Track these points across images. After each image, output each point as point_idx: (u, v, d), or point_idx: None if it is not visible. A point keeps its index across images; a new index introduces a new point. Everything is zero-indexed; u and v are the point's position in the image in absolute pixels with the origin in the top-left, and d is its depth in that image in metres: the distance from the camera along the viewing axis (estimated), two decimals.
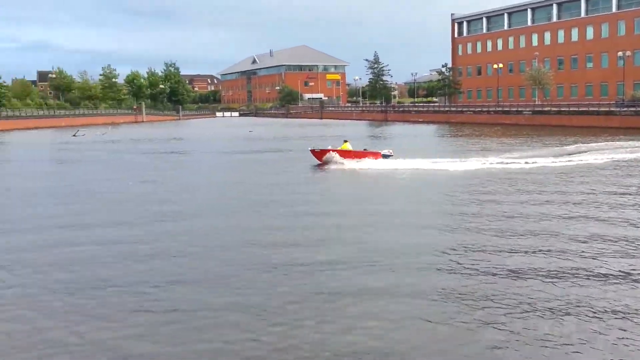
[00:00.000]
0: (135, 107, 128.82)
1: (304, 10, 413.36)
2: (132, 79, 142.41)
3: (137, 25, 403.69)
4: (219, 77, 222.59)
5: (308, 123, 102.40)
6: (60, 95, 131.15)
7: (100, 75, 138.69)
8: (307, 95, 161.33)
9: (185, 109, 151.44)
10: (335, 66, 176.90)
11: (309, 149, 34.81)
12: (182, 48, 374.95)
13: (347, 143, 34.78)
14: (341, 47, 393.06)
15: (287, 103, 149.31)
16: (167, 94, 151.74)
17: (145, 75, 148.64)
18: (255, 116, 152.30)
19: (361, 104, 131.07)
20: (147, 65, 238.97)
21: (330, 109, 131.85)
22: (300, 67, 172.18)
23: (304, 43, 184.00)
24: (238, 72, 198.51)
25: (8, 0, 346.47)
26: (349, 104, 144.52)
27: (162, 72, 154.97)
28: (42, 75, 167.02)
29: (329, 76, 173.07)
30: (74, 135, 68.09)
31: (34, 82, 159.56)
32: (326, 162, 32.69)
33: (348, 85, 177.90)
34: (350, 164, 31.97)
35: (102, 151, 47.32)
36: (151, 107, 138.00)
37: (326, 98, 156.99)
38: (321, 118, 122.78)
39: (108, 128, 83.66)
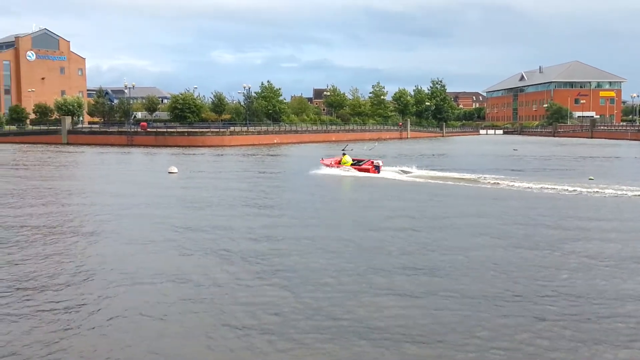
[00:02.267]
0: (400, 123, 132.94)
1: (575, 23, 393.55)
2: (399, 97, 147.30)
3: (406, 45, 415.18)
4: (484, 94, 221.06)
5: (576, 142, 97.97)
6: (333, 111, 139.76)
7: (370, 92, 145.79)
8: (576, 114, 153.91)
9: (448, 126, 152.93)
10: (610, 82, 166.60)
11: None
12: (448, 66, 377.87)
13: (346, 156, 39.00)
14: (617, 62, 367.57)
15: (555, 121, 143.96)
16: (432, 111, 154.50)
17: (412, 93, 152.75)
18: (519, 134, 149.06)
19: (638, 123, 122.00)
20: (413, 83, 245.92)
21: (601, 128, 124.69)
22: (571, 84, 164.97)
23: (576, 58, 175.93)
24: (504, 89, 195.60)
25: (290, 22, 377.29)
26: (624, 123, 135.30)
27: (428, 89, 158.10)
28: (318, 93, 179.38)
29: (602, 93, 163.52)
30: (342, 150, 72.22)
31: (310, 99, 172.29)
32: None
33: (624, 102, 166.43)
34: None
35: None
36: (416, 124, 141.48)
37: (598, 116, 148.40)
38: (591, 137, 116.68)
39: (374, 143, 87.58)
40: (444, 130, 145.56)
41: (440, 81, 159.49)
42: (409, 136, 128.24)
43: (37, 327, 10.46)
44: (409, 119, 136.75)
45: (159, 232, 19.08)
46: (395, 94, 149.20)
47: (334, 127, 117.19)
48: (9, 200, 27.21)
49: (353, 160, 39.65)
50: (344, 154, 39.73)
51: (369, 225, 20.22)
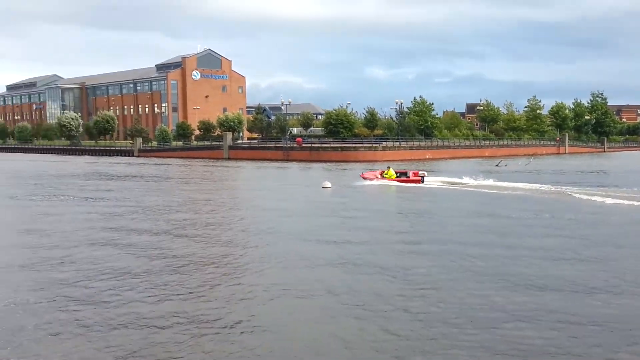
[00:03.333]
0: (558, 138, 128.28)
1: None
2: (556, 110, 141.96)
3: (564, 57, 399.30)
4: None
5: None
6: (486, 126, 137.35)
7: (525, 107, 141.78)
8: None
9: (610, 141, 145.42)
10: None
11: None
12: (609, 77, 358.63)
13: (391, 170, 41.75)
14: None
15: None
16: (592, 125, 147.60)
17: (571, 106, 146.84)
18: None
19: None
20: (572, 97, 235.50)
21: None
22: None
23: None
24: None
25: (444, 36, 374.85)
26: None
27: (588, 102, 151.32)
28: (470, 108, 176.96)
29: None
30: (496, 166, 71.22)
31: (462, 114, 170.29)
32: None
33: None
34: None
35: (525, 181, 48.43)
36: (574, 139, 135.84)
37: None
38: None
39: (530, 159, 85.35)
40: (606, 145, 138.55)
41: (601, 94, 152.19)
42: (566, 151, 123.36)
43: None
44: (567, 134, 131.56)
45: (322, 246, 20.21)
46: (552, 108, 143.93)
47: (487, 142, 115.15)
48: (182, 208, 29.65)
49: (396, 172, 42.22)
50: (388, 168, 42.56)
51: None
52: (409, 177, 41.38)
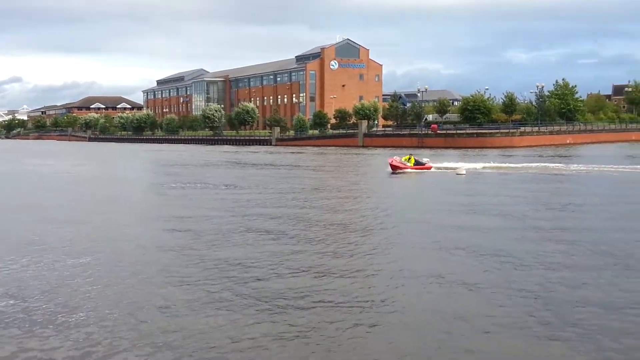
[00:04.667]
0: None
1: None
2: None
3: None
4: None
5: None
6: (634, 109, 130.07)
7: None
8: None
9: None
10: None
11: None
12: None
13: (412, 157, 44.98)
14: None
15: None
16: None
17: None
18: None
19: None
20: None
21: None
22: None
23: None
24: None
25: (590, 15, 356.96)
26: None
27: None
28: (617, 89, 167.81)
29: None
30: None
31: (608, 96, 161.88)
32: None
33: None
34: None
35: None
36: None
37: None
38: None
39: None
40: None
41: None
42: None
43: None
44: None
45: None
46: None
47: (634, 125, 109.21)
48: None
49: (416, 160, 45.23)
50: (410, 155, 45.65)
51: None
52: (424, 164, 45.25)
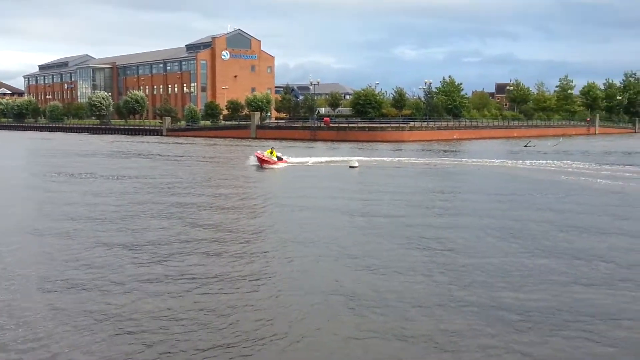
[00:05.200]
0: (588, 119, 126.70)
1: None
2: (587, 91, 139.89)
3: (599, 36, 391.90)
4: None
5: None
6: (515, 107, 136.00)
7: (556, 87, 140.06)
8: None
9: None
10: None
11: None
12: None
13: (275, 151, 46.24)
14: None
15: None
16: (625, 106, 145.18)
17: (602, 87, 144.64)
18: None
19: None
20: (605, 77, 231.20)
21: None
22: None
23: None
24: None
25: (475, 16, 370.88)
26: None
27: (620, 83, 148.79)
28: (500, 88, 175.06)
29: None
30: (525, 146, 70.90)
31: (492, 94, 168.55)
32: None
33: None
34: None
35: (551, 160, 48.59)
36: (605, 119, 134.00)
37: None
38: None
39: (559, 139, 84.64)
40: (637, 126, 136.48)
41: (634, 74, 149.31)
42: (597, 132, 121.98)
43: None
44: (597, 114, 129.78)
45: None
46: (583, 88, 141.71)
47: (516, 122, 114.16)
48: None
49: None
50: (272, 148, 46.73)
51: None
52: (282, 159, 46.23)
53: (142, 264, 14.97)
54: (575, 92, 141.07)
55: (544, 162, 47.51)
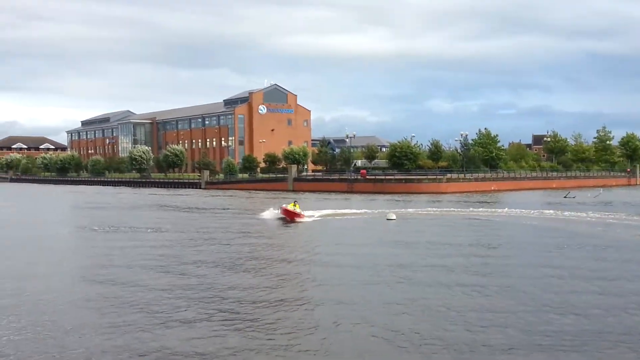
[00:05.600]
0: (628, 169, 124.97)
1: None
2: (627, 141, 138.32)
3: (630, 87, 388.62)
4: None
5: None
6: (553, 158, 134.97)
7: (594, 137, 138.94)
8: None
9: None
10: None
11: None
12: None
13: (297, 204, 44.10)
14: None
15: None
16: None
17: None
18: None
19: None
20: None
21: None
22: None
23: None
24: None
25: (508, 69, 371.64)
26: None
27: None
28: (537, 139, 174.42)
29: None
30: (565, 197, 70.11)
31: (528, 145, 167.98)
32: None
33: None
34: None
35: (592, 211, 47.96)
36: None
37: None
38: None
39: (600, 190, 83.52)
40: None
41: None
42: (638, 182, 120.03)
43: None
44: (638, 165, 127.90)
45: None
46: (622, 139, 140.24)
47: (554, 173, 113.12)
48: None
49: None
50: (295, 201, 44.90)
51: None
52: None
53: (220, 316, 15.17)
54: (614, 142, 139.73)
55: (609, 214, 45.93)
